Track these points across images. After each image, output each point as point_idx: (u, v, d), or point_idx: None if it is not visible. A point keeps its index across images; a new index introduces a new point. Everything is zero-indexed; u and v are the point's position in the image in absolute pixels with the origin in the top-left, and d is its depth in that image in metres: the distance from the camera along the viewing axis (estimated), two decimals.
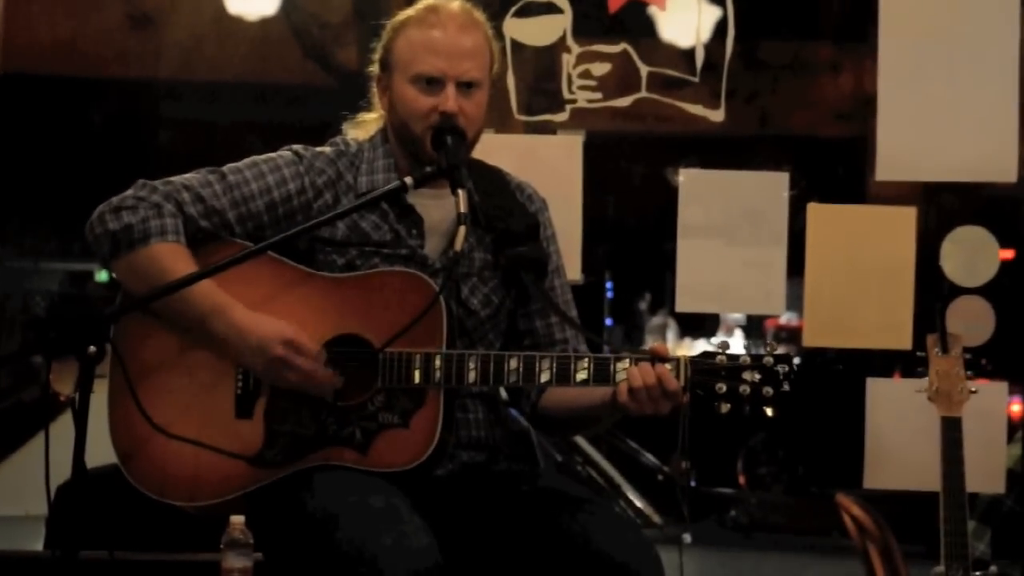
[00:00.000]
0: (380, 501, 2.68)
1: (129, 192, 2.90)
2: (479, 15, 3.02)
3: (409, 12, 3.01)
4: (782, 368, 2.79)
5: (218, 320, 2.82)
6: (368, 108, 3.15)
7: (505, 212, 3.04)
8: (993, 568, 3.52)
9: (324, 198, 2.98)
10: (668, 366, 2.78)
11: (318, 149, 3.04)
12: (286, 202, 2.96)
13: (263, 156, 3.01)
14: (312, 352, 2.81)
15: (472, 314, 2.99)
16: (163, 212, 2.86)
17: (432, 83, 2.92)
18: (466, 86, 2.93)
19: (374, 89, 3.08)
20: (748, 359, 2.81)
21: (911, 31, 3.79)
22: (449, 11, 2.97)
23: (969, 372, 3.41)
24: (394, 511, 2.66)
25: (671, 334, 13.27)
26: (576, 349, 3.08)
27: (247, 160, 2.99)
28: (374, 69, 3.06)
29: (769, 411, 2.79)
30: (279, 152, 3.02)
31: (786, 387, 2.79)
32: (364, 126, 3.14)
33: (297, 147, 3.03)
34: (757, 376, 2.79)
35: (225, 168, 2.97)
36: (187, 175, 2.94)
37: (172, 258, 2.83)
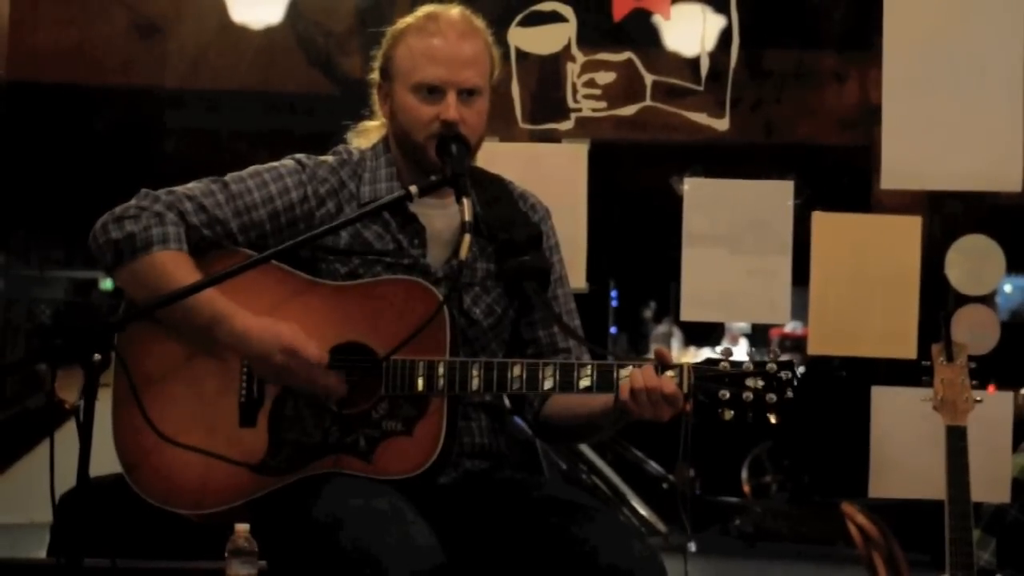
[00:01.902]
0: (384, 503, 2.68)
1: (132, 202, 2.90)
2: (478, 22, 3.02)
3: (408, 20, 3.01)
4: (785, 374, 2.79)
5: (221, 328, 2.82)
6: (370, 116, 3.15)
7: (507, 222, 3.04)
8: None
9: (327, 207, 2.98)
10: (671, 373, 2.78)
11: (320, 158, 3.05)
12: (289, 211, 2.96)
13: (266, 165, 3.01)
14: (314, 356, 2.80)
15: (474, 324, 2.99)
16: (165, 220, 2.86)
17: (433, 91, 2.92)
18: (467, 94, 2.93)
19: (375, 97, 3.08)
20: (751, 366, 2.80)
21: (916, 40, 3.79)
22: (448, 18, 2.97)
23: (974, 381, 3.41)
24: (398, 513, 2.67)
25: (676, 343, 13.26)
26: (579, 358, 3.08)
27: (250, 169, 3.00)
28: (375, 77, 3.06)
29: (772, 418, 2.79)
30: (282, 161, 3.02)
31: (789, 394, 2.79)
32: (366, 134, 3.14)
33: (300, 156, 3.03)
34: (760, 383, 2.79)
35: (228, 177, 2.97)
36: (190, 184, 2.95)
37: (174, 266, 2.83)
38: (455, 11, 3.01)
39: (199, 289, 2.73)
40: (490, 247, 3.03)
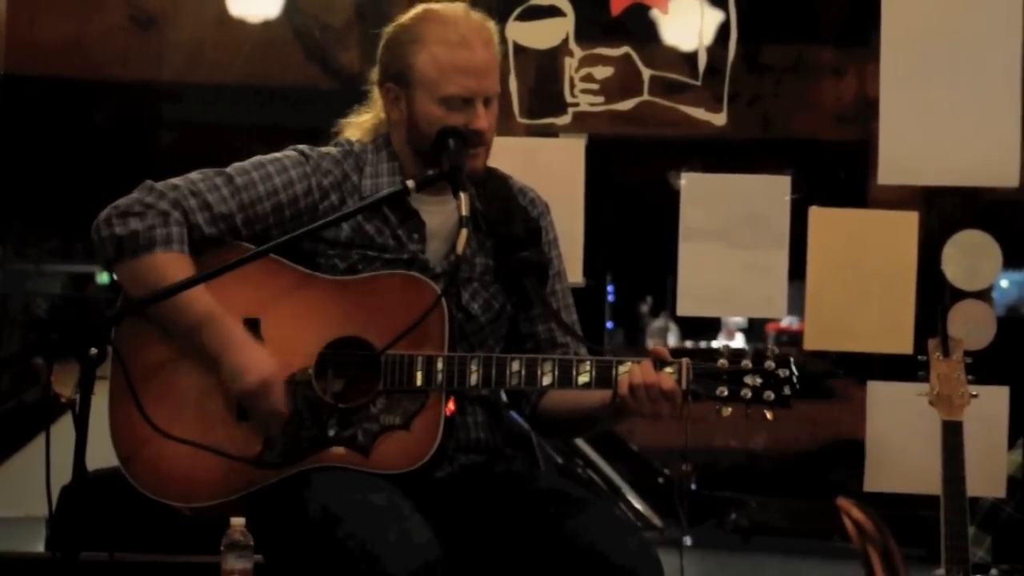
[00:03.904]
0: (381, 499, 2.69)
1: (136, 196, 2.89)
2: (491, 24, 3.00)
3: (421, 24, 2.97)
4: (783, 372, 2.80)
5: (207, 331, 2.82)
6: (361, 110, 3.14)
7: (506, 217, 3.04)
8: (994, 571, 3.52)
9: (330, 199, 2.98)
10: (669, 369, 2.78)
11: (324, 149, 3.04)
12: (293, 204, 2.96)
13: (269, 157, 3.00)
14: (278, 405, 2.81)
15: (472, 319, 2.99)
16: (169, 221, 2.85)
17: (463, 102, 2.92)
18: (487, 100, 2.94)
19: (379, 96, 3.05)
20: (749, 363, 2.81)
21: (913, 34, 3.79)
22: (470, 27, 2.94)
23: (970, 376, 3.41)
24: (396, 508, 2.67)
25: (672, 337, 13.27)
26: (577, 354, 3.08)
27: (253, 160, 2.98)
28: (376, 75, 3.04)
29: (770, 415, 2.79)
30: (285, 152, 3.01)
31: (787, 391, 2.80)
32: (359, 128, 3.13)
33: (303, 147, 3.02)
34: (758, 380, 2.80)
35: (231, 169, 2.96)
36: (193, 176, 2.93)
37: (174, 268, 2.82)
38: (462, 11, 2.98)
39: (196, 283, 2.73)
40: (489, 242, 3.03)
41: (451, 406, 2.86)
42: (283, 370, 2.83)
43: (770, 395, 2.78)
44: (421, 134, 2.95)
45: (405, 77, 2.97)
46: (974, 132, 3.77)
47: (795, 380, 2.80)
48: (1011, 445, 3.81)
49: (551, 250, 3.13)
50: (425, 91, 2.94)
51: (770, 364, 2.80)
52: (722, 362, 2.81)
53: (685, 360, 2.81)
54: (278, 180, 2.96)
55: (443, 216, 2.99)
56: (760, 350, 2.83)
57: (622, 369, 2.80)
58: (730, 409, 2.79)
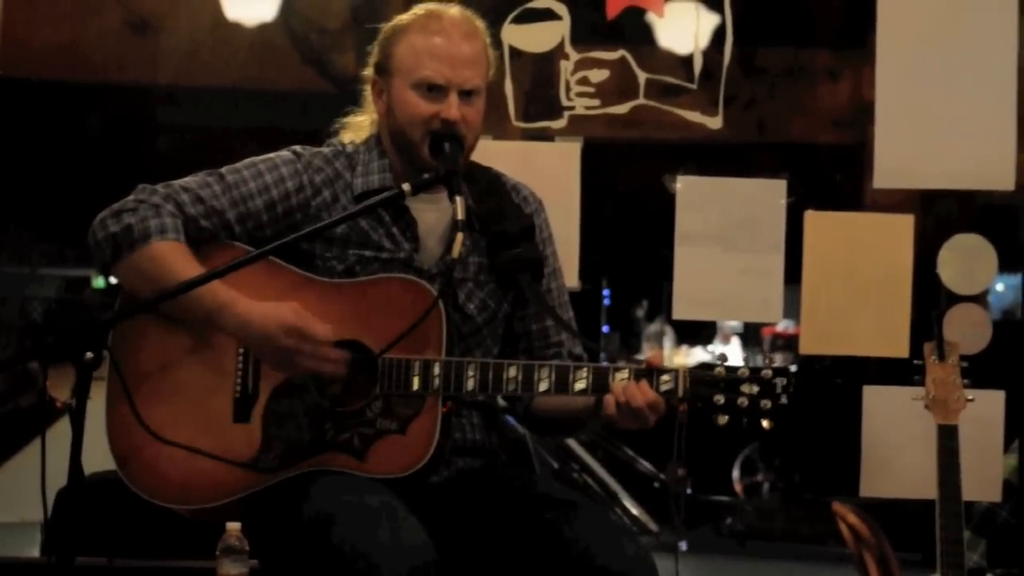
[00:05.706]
0: (376, 501, 2.68)
1: (129, 197, 2.91)
2: (479, 23, 3.03)
3: (408, 17, 3.01)
4: (780, 381, 2.79)
5: (223, 316, 2.82)
6: (357, 111, 3.15)
7: (499, 214, 3.05)
8: None
9: (322, 195, 2.99)
10: (666, 376, 2.78)
11: (316, 149, 3.06)
12: (284, 200, 2.96)
13: (261, 157, 3.03)
14: (320, 333, 2.80)
15: (469, 319, 2.99)
16: (162, 212, 2.87)
17: (434, 90, 2.93)
18: (467, 94, 2.94)
19: (368, 92, 3.08)
20: (747, 371, 2.80)
21: (909, 38, 3.79)
22: (452, 18, 2.98)
23: (966, 380, 3.41)
24: (390, 510, 2.66)
25: (668, 341, 13.25)
26: (571, 352, 3.09)
27: (245, 161, 3.01)
28: (368, 72, 3.07)
29: (766, 424, 2.79)
30: (277, 152, 3.04)
31: (784, 400, 2.79)
32: (355, 129, 3.14)
33: (295, 147, 3.05)
34: (755, 389, 2.79)
35: (223, 169, 2.99)
36: (186, 178, 2.96)
37: (173, 256, 2.83)
38: (456, 10, 3.02)
39: (198, 284, 2.72)
40: (483, 240, 3.03)
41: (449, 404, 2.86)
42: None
43: (766, 404, 2.78)
44: (397, 123, 2.97)
45: (386, 67, 3.00)
46: (970, 135, 3.78)
47: (792, 389, 2.79)
48: (1007, 449, 3.81)
49: (546, 247, 3.13)
50: (401, 77, 2.97)
51: (767, 373, 2.79)
52: (719, 370, 2.80)
53: (682, 367, 2.81)
54: (269, 177, 2.97)
55: (436, 214, 2.99)
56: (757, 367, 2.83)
57: (619, 376, 2.80)
58: (726, 418, 2.79)
